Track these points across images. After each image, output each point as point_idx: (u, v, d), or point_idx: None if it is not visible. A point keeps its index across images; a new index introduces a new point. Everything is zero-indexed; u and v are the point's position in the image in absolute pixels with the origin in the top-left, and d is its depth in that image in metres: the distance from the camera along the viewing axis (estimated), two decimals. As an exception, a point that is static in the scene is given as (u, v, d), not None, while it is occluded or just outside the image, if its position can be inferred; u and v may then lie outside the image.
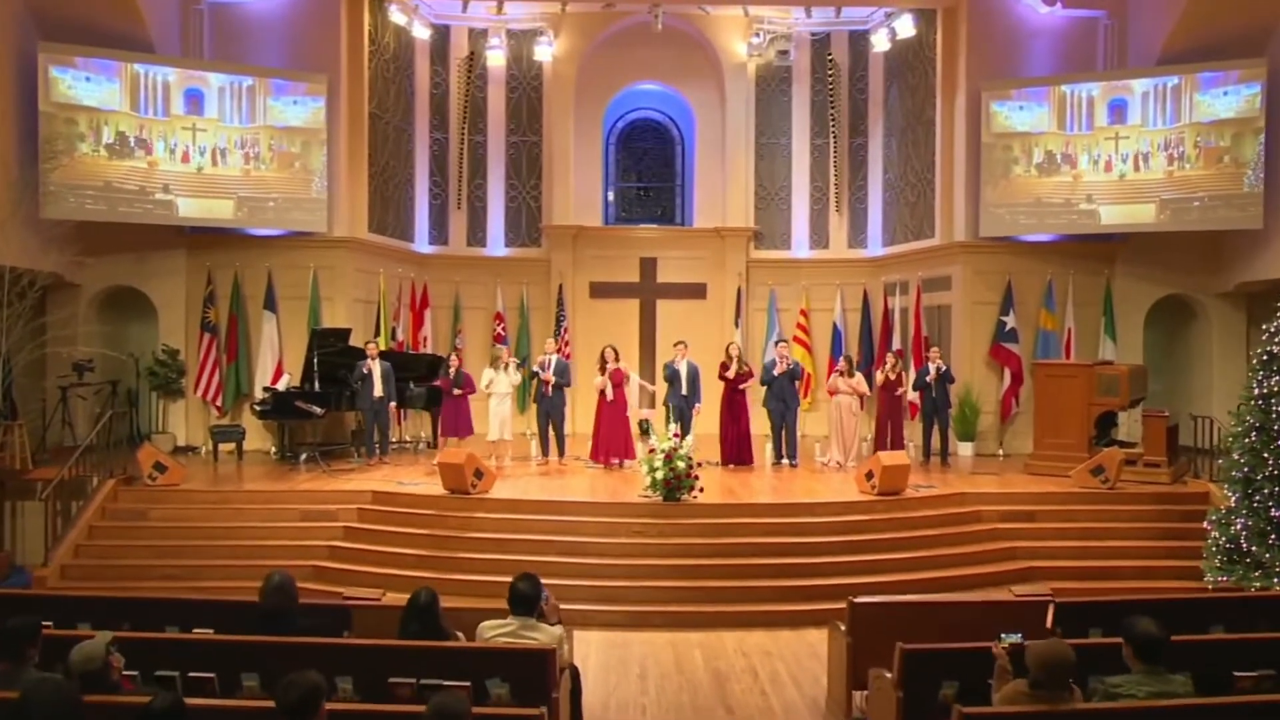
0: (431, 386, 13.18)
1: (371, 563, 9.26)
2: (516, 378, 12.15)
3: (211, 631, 6.00)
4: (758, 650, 7.73)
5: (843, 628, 6.24)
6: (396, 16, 14.29)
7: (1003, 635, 4.75)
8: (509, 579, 8.65)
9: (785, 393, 12.03)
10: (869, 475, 10.06)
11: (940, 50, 13.98)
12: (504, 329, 15.71)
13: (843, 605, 8.30)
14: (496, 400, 12.00)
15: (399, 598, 7.82)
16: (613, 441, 11.72)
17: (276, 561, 9.33)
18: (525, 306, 15.79)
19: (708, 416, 12.66)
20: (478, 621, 5.53)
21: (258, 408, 12.49)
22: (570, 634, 5.93)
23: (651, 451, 9.60)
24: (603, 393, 11.76)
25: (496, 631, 5.25)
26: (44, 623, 6.05)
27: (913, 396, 12.90)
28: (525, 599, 5.23)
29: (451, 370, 12.10)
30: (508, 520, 9.52)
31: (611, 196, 16.94)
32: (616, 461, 11.75)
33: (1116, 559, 9.50)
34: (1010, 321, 13.28)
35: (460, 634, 5.37)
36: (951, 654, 5.21)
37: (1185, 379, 13.84)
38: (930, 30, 14.29)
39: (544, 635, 5.22)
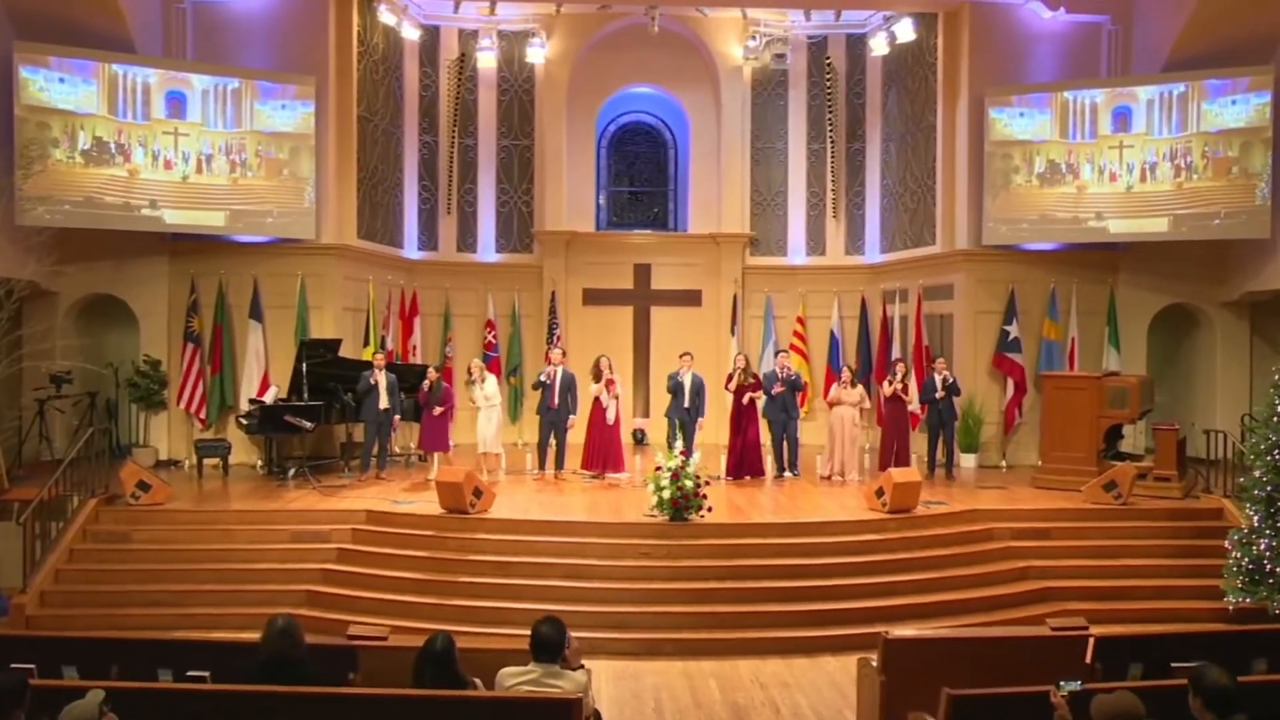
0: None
1: (367, 587, 8.90)
2: (493, 387, 11.82)
3: (208, 675, 5.67)
4: (775, 681, 7.44)
5: (874, 664, 5.96)
6: (386, 17, 13.89)
7: (1061, 682, 4.48)
8: (511, 604, 8.52)
9: (787, 403, 11.81)
10: (879, 493, 9.81)
11: (941, 55, 13.76)
12: (495, 337, 15.35)
13: (858, 631, 8.15)
14: (482, 412, 11.69)
15: (404, 630, 7.53)
16: (603, 451, 11.46)
17: (267, 586, 9.05)
18: (517, 314, 15.44)
19: (711, 429, 12.40)
20: (495, 665, 5.20)
21: (244, 421, 12.09)
22: (590, 678, 5.60)
23: (658, 470, 9.29)
24: (598, 400, 11.50)
25: (518, 680, 4.93)
26: (28, 666, 5.73)
27: (915, 408, 12.69)
28: (549, 645, 4.91)
29: (428, 383, 11.75)
30: (509, 542, 9.19)
31: (603, 201, 16.63)
32: (601, 473, 11.48)
33: (1133, 578, 9.29)
34: (1013, 331, 13.07)
35: (478, 681, 5.04)
36: (1001, 699, 4.93)
37: (1187, 389, 13.70)
38: (930, 34, 14.07)
39: (568, 683, 4.91)
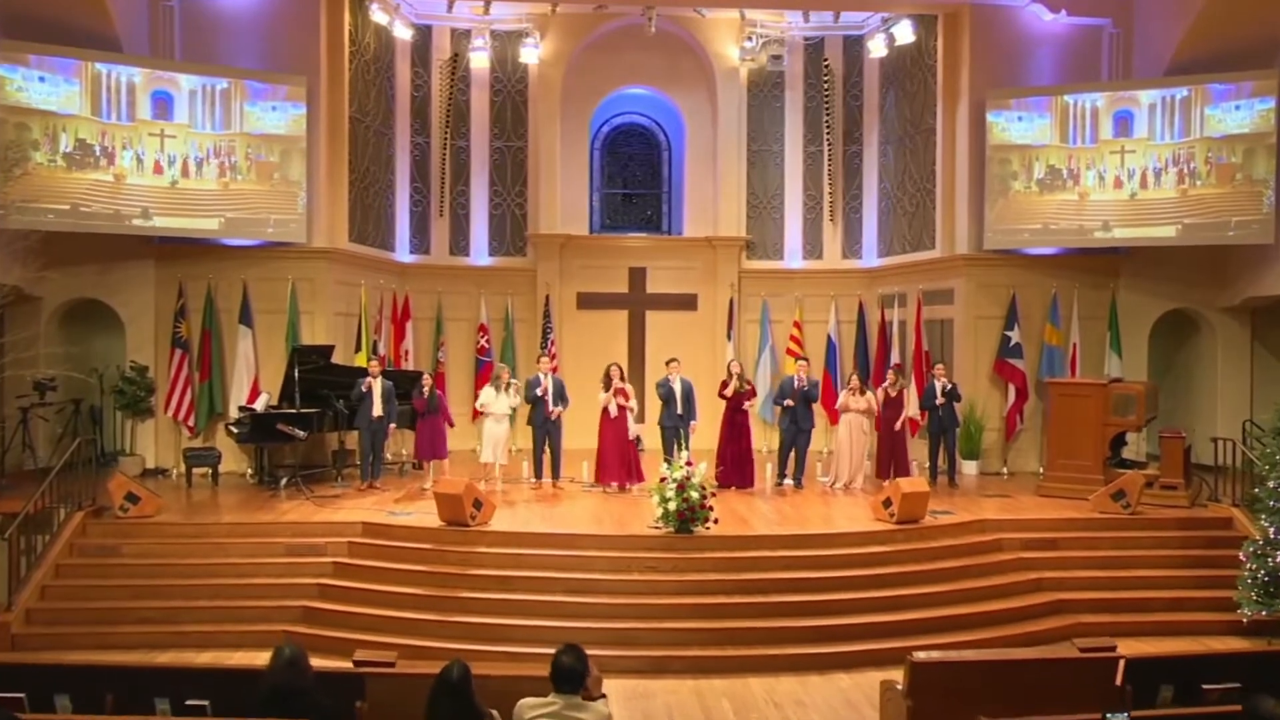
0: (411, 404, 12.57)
1: (366, 603, 8.64)
2: (516, 400, 11.58)
3: (208, 705, 5.45)
4: (790, 700, 7.26)
5: (899, 686, 5.79)
6: (378, 16, 13.63)
7: (1108, 715, 4.32)
8: (515, 621, 8.31)
9: (798, 414, 11.62)
10: (887, 503, 9.64)
11: (941, 57, 13.63)
12: (488, 341, 15.11)
13: (871, 646, 8.01)
14: (493, 421, 11.49)
15: (407, 648, 7.32)
16: (620, 463, 11.23)
17: (262, 602, 8.79)
18: (510, 318, 15.21)
19: (704, 434, 12.18)
20: (511, 693, 5.00)
21: (234, 430, 11.79)
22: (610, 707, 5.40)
23: (663, 481, 9.09)
24: (606, 410, 11.28)
25: (538, 711, 4.71)
26: (17, 696, 5.47)
27: (914, 414, 12.54)
28: (571, 675, 4.70)
29: (425, 389, 11.51)
30: (511, 555, 8.96)
31: (596, 203, 16.41)
32: (622, 485, 11.27)
33: (1145, 589, 9.16)
34: (1015, 336, 12.95)
35: (495, 712, 4.83)
36: (1039, 729, 4.78)
37: (1187, 395, 13.63)
38: (929, 37, 13.94)
39: (590, 715, 4.69)
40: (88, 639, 8.33)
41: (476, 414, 11.72)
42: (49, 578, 8.98)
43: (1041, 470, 12.43)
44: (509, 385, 11.56)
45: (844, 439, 11.71)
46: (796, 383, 11.74)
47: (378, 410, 11.37)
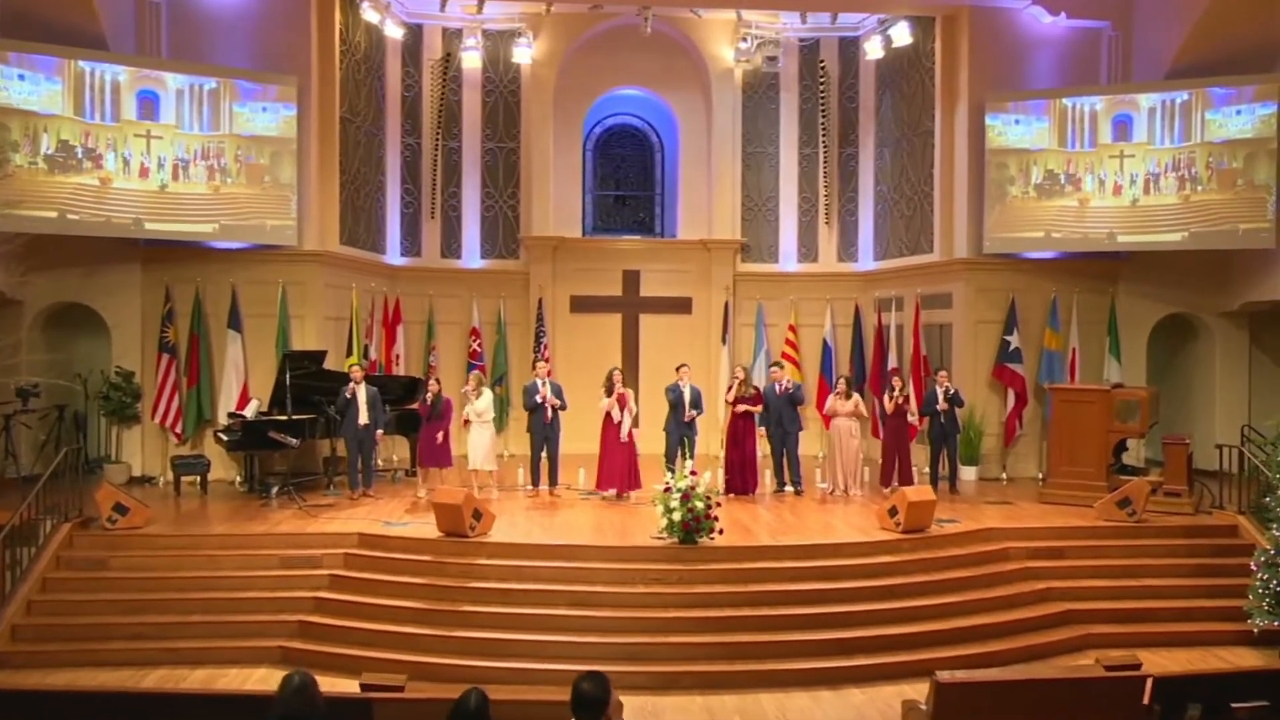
0: (405, 410, 12.34)
1: (364, 618, 8.41)
2: (485, 403, 11.33)
3: (210, 733, 5.25)
4: (802, 717, 7.11)
5: (923, 706, 5.65)
6: (369, 14, 13.37)
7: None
8: (517, 635, 8.11)
9: (784, 416, 11.51)
10: (893, 512, 9.51)
11: (939, 59, 13.51)
12: (480, 345, 14.90)
13: (882, 660, 7.89)
14: (475, 427, 11.26)
15: (408, 665, 7.15)
16: (621, 470, 11.05)
17: (256, 617, 8.56)
18: (502, 321, 15.01)
19: (706, 441, 12.05)
20: (528, 719, 4.83)
21: (224, 437, 11.52)
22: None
23: (667, 490, 8.92)
24: (609, 415, 11.09)
25: (559, 741, 4.53)
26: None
27: (914, 419, 12.44)
28: (592, 704, 4.50)
29: (429, 395, 11.30)
30: (512, 568, 8.76)
31: (589, 205, 16.22)
32: (620, 492, 11.08)
33: (1154, 599, 9.07)
34: (1014, 341, 12.86)
35: (514, 741, 4.65)
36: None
37: (1184, 399, 13.58)
38: (927, 39, 13.84)
39: (614, 745, 4.52)
40: (76, 656, 8.09)
41: (465, 421, 11.56)
42: (35, 592, 8.70)
43: (1041, 476, 12.38)
44: (480, 392, 11.33)
45: (836, 444, 11.61)
46: (778, 389, 11.64)
47: (364, 418, 11.13)
